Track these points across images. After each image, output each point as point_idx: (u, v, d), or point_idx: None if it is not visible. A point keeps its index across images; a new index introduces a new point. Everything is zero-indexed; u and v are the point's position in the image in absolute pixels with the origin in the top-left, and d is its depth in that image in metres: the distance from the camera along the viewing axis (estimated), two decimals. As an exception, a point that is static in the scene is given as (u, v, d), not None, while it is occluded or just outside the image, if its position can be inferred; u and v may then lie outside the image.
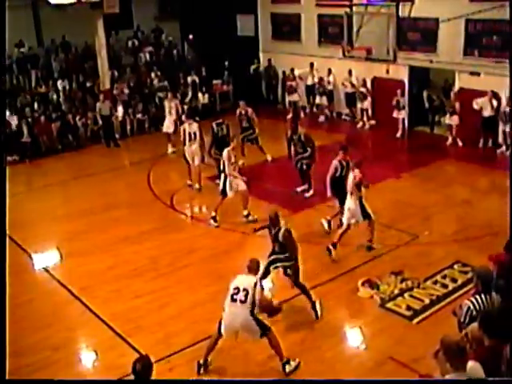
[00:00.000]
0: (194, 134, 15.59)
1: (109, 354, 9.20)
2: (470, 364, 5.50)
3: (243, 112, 16.90)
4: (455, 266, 11.07)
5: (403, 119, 19.79)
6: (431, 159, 17.17)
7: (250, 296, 8.14)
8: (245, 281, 8.34)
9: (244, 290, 8.20)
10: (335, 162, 12.40)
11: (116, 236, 13.16)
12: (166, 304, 10.36)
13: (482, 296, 6.98)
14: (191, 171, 15.86)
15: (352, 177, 11.54)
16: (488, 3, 16.95)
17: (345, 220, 11.84)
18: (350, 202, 11.61)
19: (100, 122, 20.68)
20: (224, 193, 13.41)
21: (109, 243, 12.82)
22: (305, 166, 14.68)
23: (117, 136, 20.92)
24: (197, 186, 15.82)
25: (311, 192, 14.80)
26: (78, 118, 20.82)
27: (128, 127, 21.70)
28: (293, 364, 8.47)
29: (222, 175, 13.49)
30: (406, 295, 10.29)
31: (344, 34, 20.64)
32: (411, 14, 18.82)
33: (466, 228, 12.72)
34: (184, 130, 15.72)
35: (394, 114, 19.74)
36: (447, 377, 5.36)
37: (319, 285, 10.57)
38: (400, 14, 18.90)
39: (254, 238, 12.78)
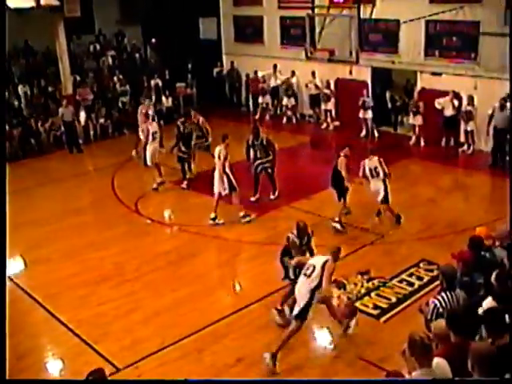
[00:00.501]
0: (155, 133, 15.83)
1: (75, 361, 9.07)
2: (436, 360, 5.55)
3: (195, 121, 16.77)
4: (421, 265, 11.17)
5: (369, 119, 19.85)
6: (395, 159, 17.23)
7: (315, 273, 8.43)
8: (317, 259, 8.72)
9: (313, 266, 8.53)
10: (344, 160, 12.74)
11: (81, 242, 12.99)
12: (132, 310, 10.27)
13: (448, 293, 7.08)
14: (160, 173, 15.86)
15: (376, 161, 12.51)
16: (447, 5, 17.23)
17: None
18: (378, 185, 12.60)
19: (62, 128, 20.48)
20: (234, 188, 13.39)
21: (73, 250, 12.64)
22: (270, 170, 14.71)
23: (80, 141, 20.71)
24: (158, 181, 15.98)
25: (276, 194, 14.85)
26: (40, 124, 20.58)
27: (91, 132, 21.48)
28: (274, 363, 8.49)
29: (217, 173, 13.39)
30: (372, 294, 10.35)
31: (306, 36, 20.76)
32: (372, 16, 18.98)
33: (431, 226, 12.84)
34: (148, 130, 15.87)
35: (360, 115, 19.80)
36: (413, 374, 5.41)
37: (286, 286, 10.57)
38: (361, 15, 19.06)
39: (219, 242, 12.81)
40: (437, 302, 7.04)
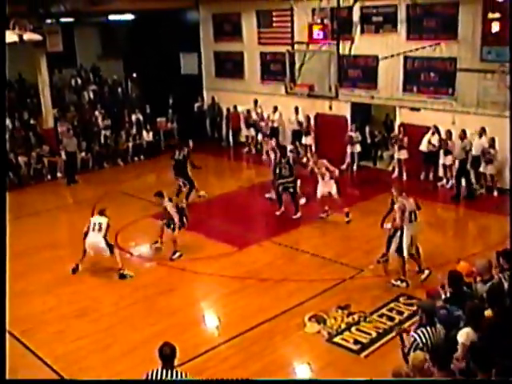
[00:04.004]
0: None
1: (52, 397, 8.94)
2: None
3: None
4: (400, 299, 11.15)
5: (357, 153, 20.02)
6: (374, 193, 17.33)
7: None
8: None
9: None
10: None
11: (57, 276, 12.86)
12: (110, 344, 10.14)
13: (428, 328, 7.08)
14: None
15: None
16: (425, 41, 17.54)
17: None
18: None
19: (64, 158, 20.61)
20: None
21: (50, 283, 12.51)
22: (291, 190, 15.27)
23: (59, 175, 20.65)
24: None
25: (298, 214, 15.39)
26: (20, 157, 20.42)
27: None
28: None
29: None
30: (353, 329, 10.30)
31: (286, 72, 20.94)
32: (351, 52, 19.18)
33: (409, 261, 12.80)
34: None
35: (348, 149, 19.98)
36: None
37: (266, 321, 10.52)
38: (340, 51, 19.27)
39: (198, 276, 12.74)
40: (417, 336, 7.03)
